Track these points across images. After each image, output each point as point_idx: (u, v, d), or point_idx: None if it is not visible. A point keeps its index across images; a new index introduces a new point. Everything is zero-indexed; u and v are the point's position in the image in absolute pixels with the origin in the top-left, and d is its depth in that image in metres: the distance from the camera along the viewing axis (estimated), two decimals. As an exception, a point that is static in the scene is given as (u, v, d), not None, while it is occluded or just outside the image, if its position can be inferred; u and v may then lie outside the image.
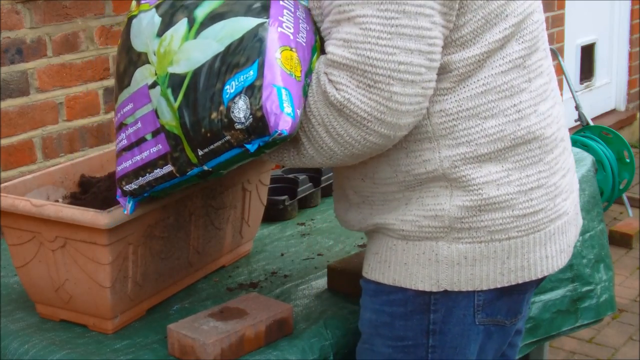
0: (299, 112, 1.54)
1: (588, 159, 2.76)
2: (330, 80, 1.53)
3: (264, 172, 2.23)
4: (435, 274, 1.64)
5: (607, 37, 6.00)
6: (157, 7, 1.67)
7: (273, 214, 2.47)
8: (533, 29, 1.64)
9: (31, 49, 2.67)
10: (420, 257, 1.65)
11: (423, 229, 1.64)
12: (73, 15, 2.76)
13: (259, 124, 1.52)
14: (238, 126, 1.53)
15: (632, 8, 6.08)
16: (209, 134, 1.57)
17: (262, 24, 1.57)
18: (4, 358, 1.85)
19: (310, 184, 2.58)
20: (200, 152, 1.60)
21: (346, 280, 2.02)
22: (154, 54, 1.63)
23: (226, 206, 2.11)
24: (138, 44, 1.67)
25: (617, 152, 4.63)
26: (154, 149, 1.66)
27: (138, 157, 1.69)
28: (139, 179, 1.70)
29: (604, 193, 4.51)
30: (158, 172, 1.67)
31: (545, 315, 2.45)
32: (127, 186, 1.72)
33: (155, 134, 1.65)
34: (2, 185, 1.94)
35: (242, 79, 1.54)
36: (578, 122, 4.84)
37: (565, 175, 1.72)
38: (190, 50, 1.59)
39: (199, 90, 1.57)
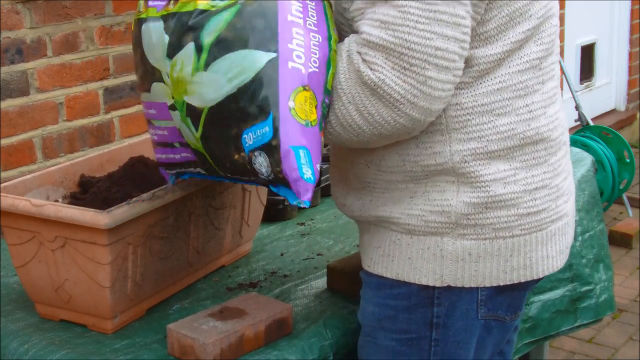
0: (318, 166, 1.55)
1: (588, 159, 2.76)
2: (364, 60, 1.52)
3: (264, 172, 2.23)
4: (440, 269, 1.65)
5: (607, 37, 6.00)
6: (164, 20, 1.63)
7: (273, 214, 2.47)
8: (551, 32, 1.65)
9: (31, 49, 2.67)
10: (424, 252, 1.65)
11: (429, 223, 1.64)
12: (73, 15, 2.76)
13: (282, 181, 1.55)
14: (262, 177, 1.57)
15: (632, 8, 6.08)
16: (234, 169, 1.60)
17: (271, 61, 1.53)
18: (4, 358, 1.85)
19: (310, 184, 2.58)
20: (229, 175, 1.63)
21: (346, 280, 2.02)
22: (168, 76, 1.62)
23: (226, 206, 2.11)
24: (151, 59, 1.66)
25: (617, 152, 4.63)
26: (183, 154, 1.69)
27: (171, 155, 1.73)
28: (174, 170, 1.76)
29: (604, 193, 4.51)
30: (191, 170, 1.72)
31: (545, 315, 2.45)
32: (166, 170, 1.78)
33: (182, 145, 1.68)
34: (2, 185, 1.94)
35: (259, 134, 1.54)
36: (578, 122, 4.84)
37: (567, 177, 1.74)
38: (203, 85, 1.57)
39: (217, 129, 1.58)
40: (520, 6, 1.58)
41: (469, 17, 1.52)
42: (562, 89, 5.01)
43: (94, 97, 2.85)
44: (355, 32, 1.57)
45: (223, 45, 1.55)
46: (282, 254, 2.28)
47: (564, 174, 1.72)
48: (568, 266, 2.49)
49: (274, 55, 1.53)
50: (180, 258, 2.01)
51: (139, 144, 2.29)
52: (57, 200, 2.02)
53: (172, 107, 1.63)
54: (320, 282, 2.08)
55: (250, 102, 1.54)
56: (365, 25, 1.53)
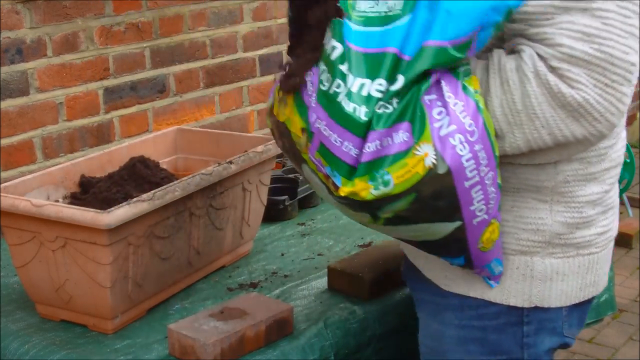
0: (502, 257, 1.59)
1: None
2: (564, 78, 1.42)
3: (265, 172, 2.23)
4: (529, 289, 1.61)
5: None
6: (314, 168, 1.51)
7: (273, 214, 2.47)
8: None
9: (31, 49, 2.66)
10: (513, 272, 1.60)
11: (521, 242, 1.60)
12: (73, 15, 2.76)
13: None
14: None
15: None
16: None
17: (457, 228, 1.48)
18: (4, 358, 1.85)
19: (311, 184, 2.58)
20: None
21: (346, 281, 2.02)
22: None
23: (226, 206, 2.11)
24: (320, 193, 1.57)
25: (617, 152, 4.63)
26: None
27: None
28: None
29: (604, 193, 4.51)
30: None
31: (546, 315, 2.45)
32: None
33: None
34: (2, 185, 1.94)
35: (455, 263, 1.58)
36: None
37: None
38: (391, 232, 1.56)
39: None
40: None
41: None
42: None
43: (94, 97, 2.85)
44: (521, 36, 1.46)
45: (402, 220, 1.48)
46: (282, 254, 2.28)
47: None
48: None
49: (459, 223, 1.48)
50: (181, 258, 2.01)
51: (139, 144, 2.29)
52: (57, 201, 2.02)
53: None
54: (321, 283, 2.08)
55: (439, 249, 1.55)
56: (564, 37, 1.40)
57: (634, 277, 4.30)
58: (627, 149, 5.04)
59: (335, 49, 1.44)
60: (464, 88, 1.44)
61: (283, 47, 3.41)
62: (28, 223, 1.84)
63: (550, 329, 1.65)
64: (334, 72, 1.43)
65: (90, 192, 2.04)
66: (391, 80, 1.41)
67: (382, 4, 1.45)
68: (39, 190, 2.00)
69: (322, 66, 1.46)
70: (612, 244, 1.70)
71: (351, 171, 1.43)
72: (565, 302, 1.63)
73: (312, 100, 1.47)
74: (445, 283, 1.66)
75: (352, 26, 1.45)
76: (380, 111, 1.41)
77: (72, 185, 2.10)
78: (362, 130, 1.41)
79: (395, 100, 1.41)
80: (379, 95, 1.41)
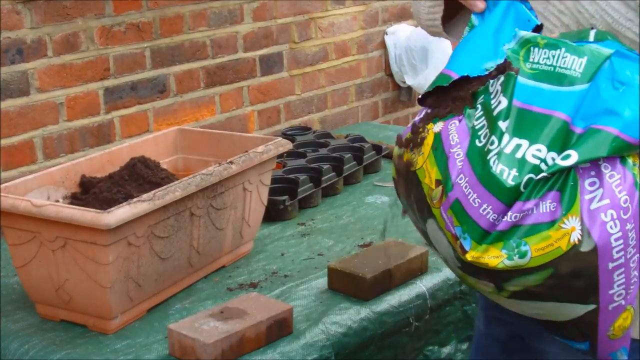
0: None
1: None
2: None
3: (265, 172, 2.23)
4: None
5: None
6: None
7: (273, 214, 2.47)
8: None
9: (31, 49, 2.66)
10: None
11: None
12: (73, 15, 2.76)
13: None
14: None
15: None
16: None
17: (590, 311, 1.34)
18: (5, 358, 1.85)
19: (311, 184, 2.58)
20: None
21: (346, 281, 2.02)
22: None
23: (227, 206, 2.11)
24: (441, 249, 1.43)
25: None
26: None
27: None
28: None
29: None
30: None
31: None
32: None
33: None
34: (3, 185, 1.94)
35: (576, 347, 1.42)
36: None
37: None
38: (512, 305, 1.44)
39: None
40: None
41: None
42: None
43: (95, 97, 2.85)
44: None
45: (530, 295, 1.35)
46: (282, 254, 2.28)
47: None
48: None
49: (593, 307, 1.33)
50: (181, 258, 2.01)
51: (140, 144, 2.29)
52: (57, 201, 2.02)
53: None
54: (321, 282, 2.08)
55: (563, 331, 1.41)
56: None
57: (635, 277, 4.29)
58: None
59: (500, 103, 1.32)
60: (622, 159, 1.30)
61: (283, 47, 3.41)
62: (28, 223, 1.84)
63: None
64: (493, 128, 1.31)
65: (91, 192, 2.04)
66: (554, 149, 1.29)
67: (560, 58, 1.32)
68: (40, 191, 2.00)
69: (483, 120, 1.33)
70: None
71: (484, 236, 1.30)
72: None
73: (454, 152, 1.35)
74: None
75: (520, 79, 1.32)
76: (537, 181, 1.28)
77: (72, 185, 2.10)
78: (505, 196, 1.28)
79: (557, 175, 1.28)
80: (535, 161, 1.29)
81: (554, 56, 1.32)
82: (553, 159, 1.29)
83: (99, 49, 2.83)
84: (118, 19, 2.87)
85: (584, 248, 1.28)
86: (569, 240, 1.28)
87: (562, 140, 1.29)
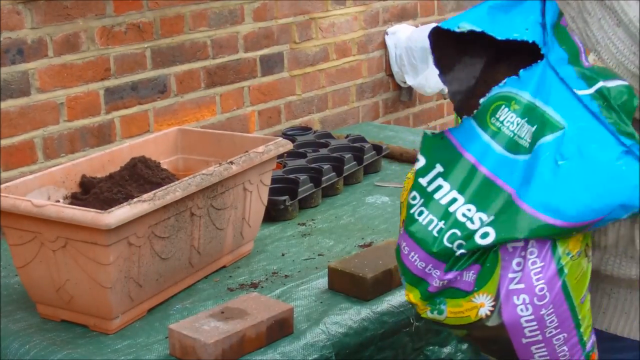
0: None
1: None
2: None
3: (265, 172, 2.23)
4: None
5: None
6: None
7: (274, 214, 2.47)
8: None
9: (32, 50, 2.67)
10: None
11: None
12: (74, 15, 2.76)
13: None
14: None
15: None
16: None
17: None
18: (5, 358, 1.85)
19: (311, 184, 2.58)
20: None
21: (346, 281, 2.02)
22: None
23: (227, 206, 2.11)
24: None
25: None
26: None
27: None
28: None
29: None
30: None
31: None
32: None
33: None
34: (3, 185, 1.94)
35: None
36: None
37: None
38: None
39: None
40: None
41: None
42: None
43: (95, 97, 2.85)
44: None
45: (475, 343, 1.44)
46: (283, 254, 2.28)
47: None
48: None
49: None
50: (182, 258, 2.01)
51: (140, 144, 2.29)
52: (58, 201, 2.02)
53: None
54: (321, 283, 2.08)
55: None
56: None
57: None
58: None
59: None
60: (553, 247, 1.30)
61: (284, 48, 3.42)
62: (29, 223, 1.84)
63: None
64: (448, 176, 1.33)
65: (91, 192, 2.04)
66: (483, 209, 1.30)
67: (521, 126, 1.31)
68: (40, 191, 2.01)
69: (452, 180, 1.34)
70: None
71: (415, 280, 1.37)
72: None
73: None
74: None
75: (481, 133, 1.32)
76: (459, 254, 1.32)
77: (73, 185, 2.10)
78: (429, 249, 1.33)
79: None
80: (463, 219, 1.31)
81: (518, 123, 1.30)
82: (481, 220, 1.30)
83: (100, 49, 2.84)
84: (119, 19, 2.87)
85: (491, 323, 1.32)
86: (477, 313, 1.33)
87: (504, 210, 1.29)
